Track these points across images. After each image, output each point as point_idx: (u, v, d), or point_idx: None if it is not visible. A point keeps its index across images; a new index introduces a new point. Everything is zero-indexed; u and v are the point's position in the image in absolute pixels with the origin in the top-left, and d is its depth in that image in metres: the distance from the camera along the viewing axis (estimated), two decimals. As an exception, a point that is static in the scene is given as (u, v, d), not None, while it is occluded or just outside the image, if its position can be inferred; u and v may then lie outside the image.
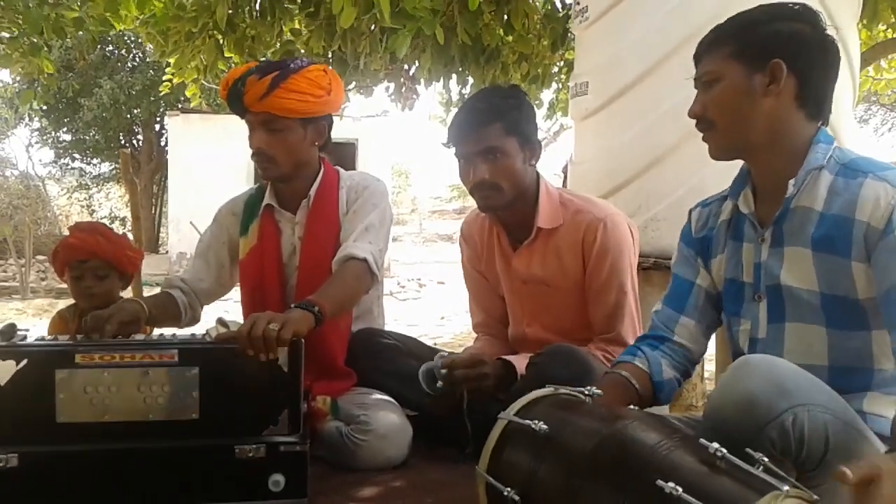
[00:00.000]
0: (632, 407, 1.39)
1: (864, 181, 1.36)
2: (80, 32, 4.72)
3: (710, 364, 3.33)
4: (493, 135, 2.01)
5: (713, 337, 2.70)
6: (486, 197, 2.07)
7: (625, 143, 2.82)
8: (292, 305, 1.80)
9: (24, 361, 1.59)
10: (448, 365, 1.94)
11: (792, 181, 1.42)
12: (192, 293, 2.25)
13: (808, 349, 1.42)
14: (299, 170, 2.18)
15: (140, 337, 1.81)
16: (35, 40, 4.46)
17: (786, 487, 0.98)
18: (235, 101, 2.09)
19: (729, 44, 1.45)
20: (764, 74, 1.42)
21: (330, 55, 4.75)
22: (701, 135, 1.53)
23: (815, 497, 1.00)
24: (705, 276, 1.65)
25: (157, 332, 2.03)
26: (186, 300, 2.23)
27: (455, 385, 1.94)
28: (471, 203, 2.37)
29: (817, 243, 1.40)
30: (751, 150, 1.48)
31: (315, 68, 2.12)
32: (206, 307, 2.32)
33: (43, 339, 1.74)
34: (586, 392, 1.32)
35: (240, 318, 2.20)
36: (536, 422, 1.23)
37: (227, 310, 2.38)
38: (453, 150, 2.09)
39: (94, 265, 2.25)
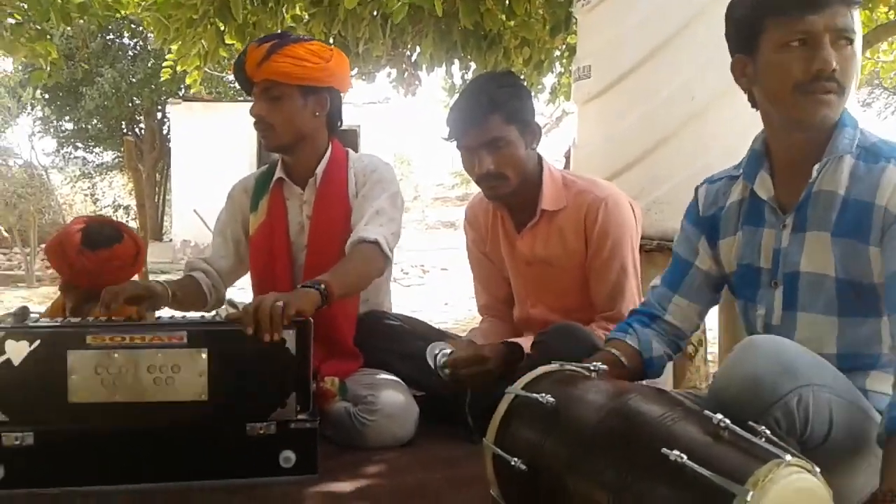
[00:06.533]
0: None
1: (886, 166, 1.36)
2: (84, 19, 4.73)
3: (713, 347, 3.35)
4: (494, 126, 2.01)
5: (717, 319, 2.72)
6: (492, 187, 2.09)
7: (627, 127, 2.81)
8: (299, 286, 1.82)
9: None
10: (452, 364, 1.99)
11: (817, 166, 1.40)
12: (214, 273, 2.26)
13: (819, 339, 1.42)
14: (301, 141, 2.17)
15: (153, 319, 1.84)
16: (41, 27, 4.47)
17: (788, 456, 1.00)
18: (239, 72, 2.12)
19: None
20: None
21: (331, 41, 4.74)
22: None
23: (816, 467, 1.03)
24: (706, 259, 1.63)
25: (168, 314, 2.06)
26: (210, 282, 2.25)
27: (459, 382, 2.00)
28: (473, 190, 2.38)
29: (838, 227, 1.38)
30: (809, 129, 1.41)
31: (317, 43, 2.16)
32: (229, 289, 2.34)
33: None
34: (591, 368, 1.34)
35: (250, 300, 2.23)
36: (543, 395, 1.25)
37: (243, 287, 2.40)
38: (454, 142, 2.09)
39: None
